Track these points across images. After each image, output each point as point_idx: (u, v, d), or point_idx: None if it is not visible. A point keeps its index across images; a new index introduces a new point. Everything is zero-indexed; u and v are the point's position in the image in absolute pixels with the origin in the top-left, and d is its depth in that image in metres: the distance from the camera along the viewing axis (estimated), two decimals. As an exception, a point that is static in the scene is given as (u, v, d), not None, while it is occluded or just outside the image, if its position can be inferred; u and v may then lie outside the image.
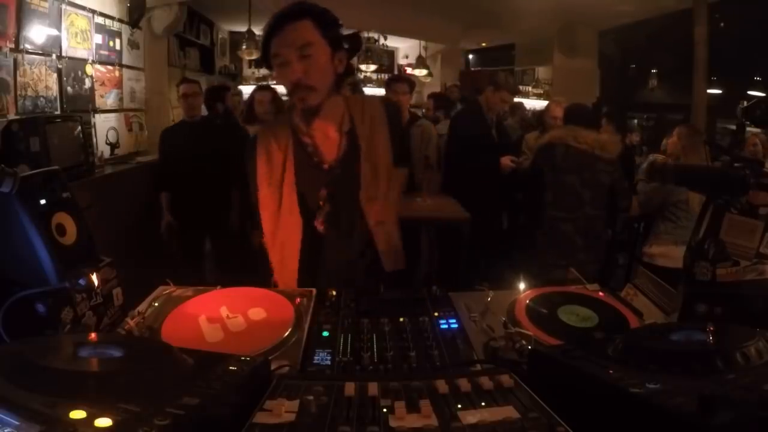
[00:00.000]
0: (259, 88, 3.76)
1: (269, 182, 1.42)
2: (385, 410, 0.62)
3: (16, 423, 0.49)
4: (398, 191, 1.56)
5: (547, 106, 3.96)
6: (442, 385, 0.67)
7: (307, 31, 1.30)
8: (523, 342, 0.95)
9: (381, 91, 7.19)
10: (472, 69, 10.23)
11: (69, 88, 3.36)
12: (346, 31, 1.39)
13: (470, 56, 10.65)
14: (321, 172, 1.44)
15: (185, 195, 3.33)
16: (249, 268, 2.63)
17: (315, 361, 0.93)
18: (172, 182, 3.38)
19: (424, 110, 5.28)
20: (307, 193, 1.44)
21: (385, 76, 8.58)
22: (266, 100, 3.50)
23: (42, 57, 3.05)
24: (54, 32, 3.16)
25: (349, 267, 1.48)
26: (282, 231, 1.44)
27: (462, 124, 3.66)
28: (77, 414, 0.51)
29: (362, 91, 3.83)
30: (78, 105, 3.45)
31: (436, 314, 1.11)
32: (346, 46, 1.38)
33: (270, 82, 7.25)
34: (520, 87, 8.80)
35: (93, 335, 0.82)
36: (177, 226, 3.40)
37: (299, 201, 1.43)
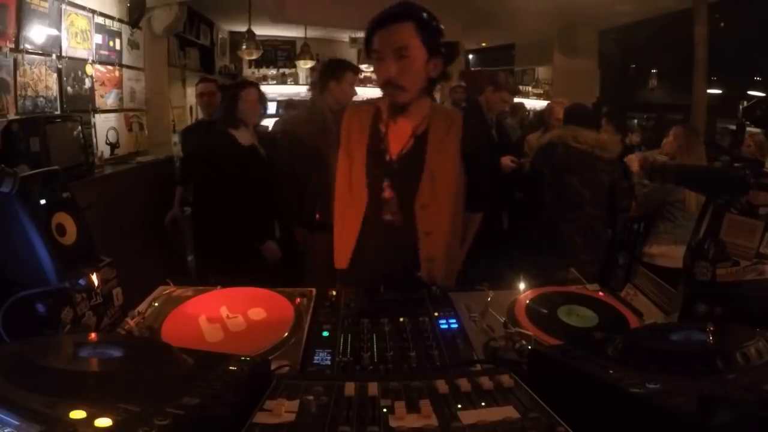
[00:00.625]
0: (243, 85, 3.10)
1: (347, 151, 1.53)
2: (385, 410, 0.62)
3: (16, 423, 0.49)
4: (458, 213, 1.58)
5: (550, 108, 3.95)
6: (442, 385, 0.67)
7: (407, 33, 1.37)
8: (523, 342, 0.95)
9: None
10: (472, 69, 10.23)
11: (69, 88, 3.35)
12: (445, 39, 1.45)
13: (470, 56, 10.64)
14: (384, 162, 1.51)
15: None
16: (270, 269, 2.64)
17: (315, 361, 0.93)
18: (191, 181, 3.36)
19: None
20: (371, 176, 1.51)
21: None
22: (254, 99, 2.97)
23: (42, 57, 3.05)
24: (54, 32, 3.16)
25: (389, 262, 1.50)
26: (349, 202, 1.53)
27: None
28: (77, 414, 0.51)
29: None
30: (78, 105, 3.45)
31: (436, 314, 1.11)
32: (443, 51, 1.43)
33: (270, 82, 7.28)
34: (520, 87, 8.80)
35: (93, 335, 0.82)
36: (181, 218, 3.38)
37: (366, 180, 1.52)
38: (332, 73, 2.72)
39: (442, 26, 1.44)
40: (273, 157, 2.76)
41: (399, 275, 1.46)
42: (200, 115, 4.04)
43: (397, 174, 1.50)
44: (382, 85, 1.42)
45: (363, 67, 8.27)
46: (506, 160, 3.43)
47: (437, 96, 4.69)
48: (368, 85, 8.32)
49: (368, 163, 1.51)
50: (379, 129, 1.53)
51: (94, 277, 1.05)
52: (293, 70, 7.55)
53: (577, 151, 2.76)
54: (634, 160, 3.10)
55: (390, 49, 1.37)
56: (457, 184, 1.53)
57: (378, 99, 1.57)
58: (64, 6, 3.24)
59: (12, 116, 2.73)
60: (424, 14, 1.39)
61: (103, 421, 0.50)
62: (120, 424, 0.50)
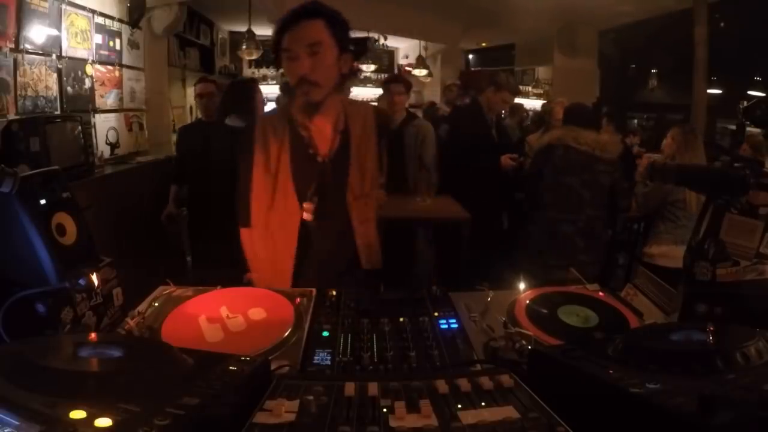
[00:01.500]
0: (256, 82, 3.42)
1: (265, 169, 1.50)
2: (385, 410, 0.62)
3: (16, 423, 0.49)
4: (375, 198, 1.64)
5: (550, 108, 3.94)
6: (442, 385, 0.67)
7: (318, 30, 1.38)
8: (523, 342, 0.95)
9: (381, 91, 7.20)
10: (472, 69, 10.23)
11: (69, 88, 3.36)
12: (354, 34, 1.47)
13: (470, 56, 10.64)
14: (314, 164, 1.51)
15: (200, 194, 3.28)
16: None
17: (315, 361, 0.93)
18: (186, 180, 3.36)
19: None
20: (300, 183, 1.50)
21: (384, 76, 8.60)
22: (262, 98, 3.26)
23: (42, 57, 3.05)
24: (54, 32, 3.16)
25: (332, 261, 1.55)
26: (277, 220, 1.51)
27: (462, 123, 3.66)
28: (77, 414, 0.51)
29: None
30: (78, 105, 3.45)
31: (436, 314, 1.11)
32: (352, 48, 1.45)
33: (270, 83, 7.28)
34: (520, 87, 8.80)
35: (93, 335, 0.82)
36: (177, 216, 3.38)
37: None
38: None
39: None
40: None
41: (343, 268, 1.54)
42: (200, 116, 4.03)
43: (329, 173, 1.51)
44: (297, 83, 1.41)
45: (363, 67, 8.32)
46: (506, 159, 3.43)
47: (437, 96, 4.71)
48: (368, 85, 8.34)
49: (295, 170, 1.49)
50: (300, 134, 1.50)
51: (94, 277, 1.05)
52: (293, 69, 7.54)
53: (578, 153, 2.76)
54: (644, 164, 3.10)
55: (302, 45, 1.36)
56: (378, 167, 1.59)
57: (280, 108, 1.57)
58: (64, 6, 3.25)
59: (12, 116, 2.73)
60: (333, 11, 1.41)
61: (103, 421, 0.50)
62: (120, 424, 0.50)
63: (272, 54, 1.50)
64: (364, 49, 1.53)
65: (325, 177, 1.50)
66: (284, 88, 4.04)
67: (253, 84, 3.29)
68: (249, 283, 1.52)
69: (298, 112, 1.51)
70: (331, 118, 1.51)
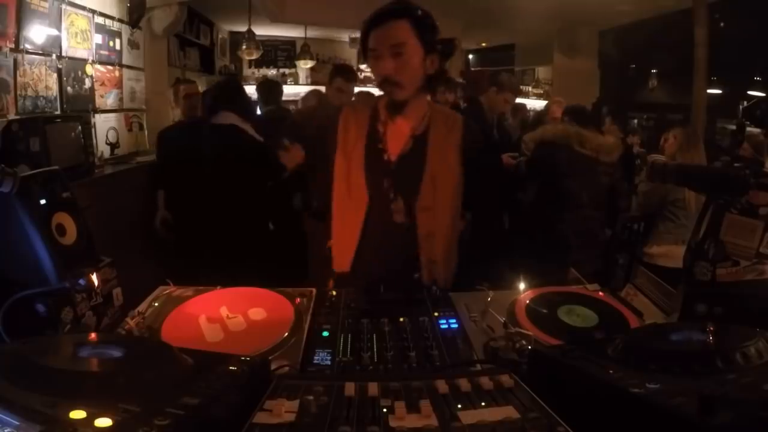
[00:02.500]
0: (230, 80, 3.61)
1: (344, 151, 1.50)
2: (385, 410, 0.62)
3: (16, 423, 0.49)
4: (458, 216, 1.57)
5: (548, 107, 3.95)
6: (442, 385, 0.67)
7: (403, 31, 1.37)
8: (523, 342, 0.95)
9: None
10: (473, 69, 10.22)
11: (69, 88, 3.35)
12: (441, 36, 1.45)
13: (470, 56, 10.63)
14: (382, 162, 1.50)
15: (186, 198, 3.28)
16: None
17: (315, 361, 0.93)
18: (168, 184, 3.35)
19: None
20: (370, 176, 1.49)
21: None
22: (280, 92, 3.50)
23: (42, 57, 3.05)
24: (54, 32, 3.16)
25: (389, 263, 1.49)
26: (345, 205, 1.51)
27: None
28: (77, 414, 0.51)
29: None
30: (78, 105, 3.45)
31: (436, 314, 1.11)
32: (439, 48, 1.44)
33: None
34: (521, 87, 8.79)
35: (93, 335, 0.82)
36: (171, 219, 3.37)
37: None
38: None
39: (438, 23, 1.45)
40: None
41: (398, 277, 1.47)
42: (177, 118, 4.03)
43: (396, 174, 1.49)
44: (380, 83, 1.42)
45: (363, 67, 8.31)
46: (506, 158, 3.42)
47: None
48: (368, 84, 8.33)
49: (367, 163, 1.49)
50: (377, 129, 1.52)
51: (94, 277, 1.05)
52: (293, 70, 7.55)
53: (580, 156, 2.76)
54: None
55: (387, 46, 1.37)
56: (458, 186, 1.52)
57: (376, 98, 1.57)
58: (64, 6, 3.24)
59: (12, 116, 2.73)
60: (419, 11, 1.40)
61: (103, 421, 0.50)
62: (120, 424, 0.50)
63: (360, 52, 1.52)
64: (451, 51, 1.51)
65: (391, 177, 1.49)
66: (261, 88, 4.04)
67: (237, 79, 3.36)
68: (329, 250, 1.55)
69: (382, 107, 1.52)
70: (411, 120, 1.50)
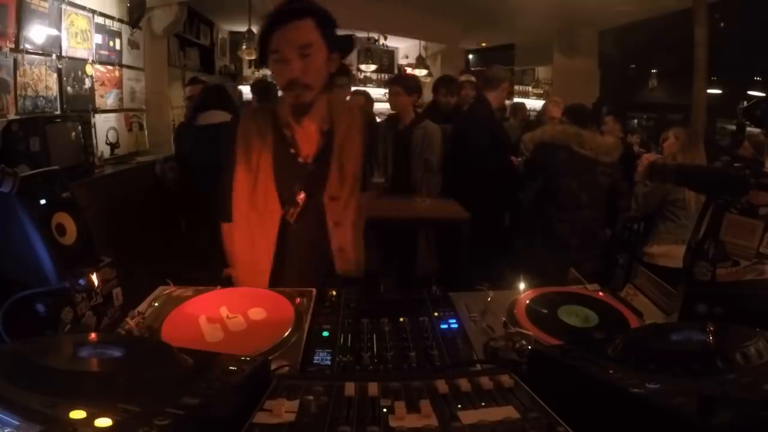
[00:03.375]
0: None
1: (247, 166, 1.46)
2: (385, 410, 0.62)
3: (16, 423, 0.49)
4: (360, 203, 1.57)
5: (545, 106, 3.95)
6: (442, 385, 0.67)
7: (309, 30, 1.33)
8: (523, 342, 0.95)
9: (381, 91, 7.20)
10: (472, 69, 10.22)
11: (69, 88, 3.36)
12: (341, 32, 1.43)
13: (470, 56, 10.64)
14: (296, 166, 1.48)
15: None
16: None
17: (315, 361, 0.93)
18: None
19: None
20: (281, 183, 1.47)
21: (385, 76, 8.58)
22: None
23: (42, 57, 3.05)
24: (54, 32, 3.16)
25: (309, 265, 1.51)
26: (257, 218, 1.47)
27: (475, 123, 3.63)
28: (77, 414, 0.51)
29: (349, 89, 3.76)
30: (78, 105, 3.45)
31: (436, 314, 1.11)
32: (339, 45, 1.42)
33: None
34: (520, 87, 8.80)
35: (93, 335, 0.82)
36: (171, 169, 3.38)
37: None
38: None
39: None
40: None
41: (321, 273, 1.49)
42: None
43: (313, 174, 1.47)
44: (286, 85, 1.37)
45: (363, 67, 8.32)
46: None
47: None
48: (368, 84, 8.34)
49: (277, 171, 1.46)
50: (284, 134, 1.47)
51: (94, 277, 1.05)
52: (293, 70, 7.53)
53: (580, 157, 2.76)
54: (644, 164, 3.09)
55: (294, 47, 1.31)
56: (360, 173, 1.53)
57: (265, 106, 1.54)
58: (64, 6, 3.25)
59: (12, 116, 2.74)
60: (322, 10, 1.36)
61: (103, 421, 0.50)
62: (120, 424, 0.50)
63: (258, 54, 1.45)
64: (350, 47, 1.51)
65: (306, 178, 1.47)
66: (256, 87, 4.03)
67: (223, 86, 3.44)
68: (228, 279, 1.51)
69: (284, 111, 1.47)
70: (317, 119, 1.48)
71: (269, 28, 1.34)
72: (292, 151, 1.48)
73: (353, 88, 4.06)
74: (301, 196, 1.47)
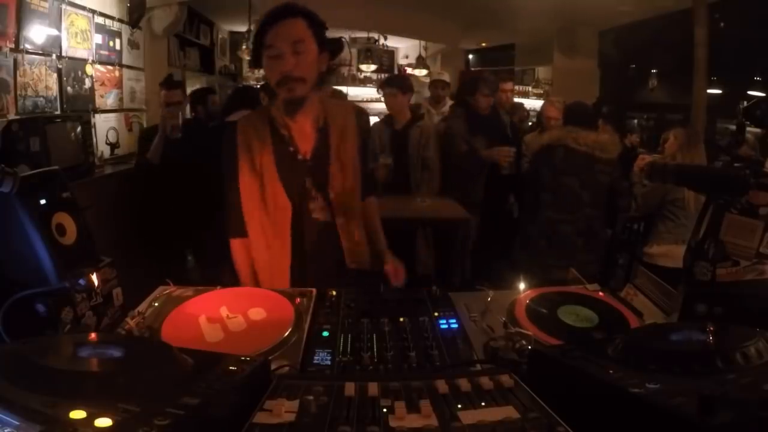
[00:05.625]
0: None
1: (252, 171, 1.50)
2: (385, 410, 0.62)
3: (16, 423, 0.49)
4: (367, 197, 1.66)
5: (543, 106, 3.94)
6: (442, 385, 0.67)
7: (300, 28, 1.42)
8: (523, 342, 0.95)
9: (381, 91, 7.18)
10: (472, 69, 10.22)
11: (69, 88, 3.35)
12: (341, 33, 1.53)
13: (470, 56, 10.63)
14: (298, 162, 1.53)
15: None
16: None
17: (315, 361, 0.93)
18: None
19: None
20: (287, 181, 1.51)
21: (384, 77, 8.58)
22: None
23: (42, 57, 3.05)
24: (54, 32, 3.16)
25: (322, 259, 1.55)
26: (269, 220, 1.51)
27: (483, 124, 3.61)
28: (77, 414, 0.51)
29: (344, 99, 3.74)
30: (78, 105, 3.45)
31: (436, 314, 1.11)
32: (329, 46, 1.50)
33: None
34: (520, 87, 8.79)
35: (93, 335, 0.82)
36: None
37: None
38: None
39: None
40: None
41: (333, 267, 1.54)
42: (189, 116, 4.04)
43: (313, 170, 1.53)
44: (279, 81, 1.42)
45: (363, 67, 8.31)
46: (504, 150, 3.40)
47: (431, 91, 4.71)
48: (368, 84, 8.34)
49: (280, 169, 1.50)
50: (281, 133, 1.52)
51: (94, 277, 1.05)
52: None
53: (577, 153, 2.76)
54: (641, 164, 3.10)
55: (288, 43, 1.39)
56: (359, 169, 1.59)
57: (260, 108, 1.61)
58: (64, 6, 3.25)
59: (12, 116, 2.73)
60: (311, 11, 1.45)
61: (103, 421, 0.50)
62: (120, 424, 0.50)
63: (252, 52, 1.51)
64: (339, 49, 1.56)
65: (308, 174, 1.52)
66: (238, 95, 4.00)
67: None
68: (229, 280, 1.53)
69: (278, 110, 1.53)
70: (311, 116, 1.53)
71: (263, 28, 1.42)
72: (291, 149, 1.53)
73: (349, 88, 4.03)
74: (310, 192, 1.52)
